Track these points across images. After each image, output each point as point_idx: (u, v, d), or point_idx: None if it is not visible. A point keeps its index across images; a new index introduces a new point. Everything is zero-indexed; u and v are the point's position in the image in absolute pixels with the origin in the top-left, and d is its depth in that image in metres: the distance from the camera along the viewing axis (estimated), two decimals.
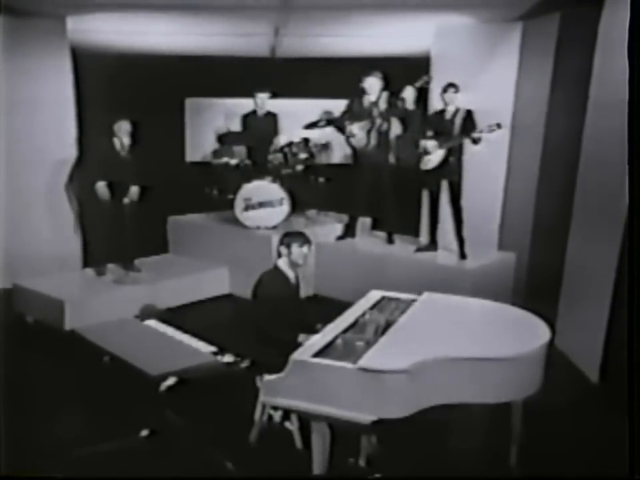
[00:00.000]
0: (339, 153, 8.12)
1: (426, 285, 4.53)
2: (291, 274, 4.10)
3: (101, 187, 6.46)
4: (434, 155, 6.41)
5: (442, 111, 6.57)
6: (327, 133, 7.75)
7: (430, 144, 6.42)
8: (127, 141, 6.61)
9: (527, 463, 3.92)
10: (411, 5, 6.40)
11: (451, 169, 6.46)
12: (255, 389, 3.85)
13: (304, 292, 5.00)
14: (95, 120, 6.85)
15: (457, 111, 6.46)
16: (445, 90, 6.48)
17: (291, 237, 4.11)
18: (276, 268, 4.09)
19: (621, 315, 4.53)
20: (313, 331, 3.91)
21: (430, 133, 6.52)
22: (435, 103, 6.89)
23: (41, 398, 4.77)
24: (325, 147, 7.91)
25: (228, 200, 7.33)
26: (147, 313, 6.35)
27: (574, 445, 4.18)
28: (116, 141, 6.58)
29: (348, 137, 6.96)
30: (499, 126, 6.19)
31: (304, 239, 4.09)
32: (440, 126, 6.51)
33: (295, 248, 4.03)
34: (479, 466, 3.98)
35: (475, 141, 6.29)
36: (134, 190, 6.64)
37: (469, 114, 6.42)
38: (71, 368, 5.29)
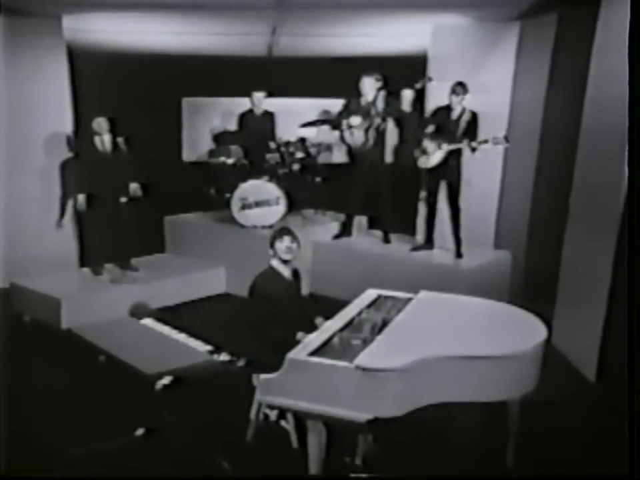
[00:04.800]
0: (337, 153, 8.11)
1: (422, 284, 4.52)
2: (285, 272, 4.08)
3: (80, 198, 6.55)
4: (434, 155, 6.38)
5: (448, 108, 6.45)
6: (324, 132, 7.74)
7: (431, 145, 6.38)
8: (107, 138, 6.59)
9: (523, 462, 3.91)
10: (408, 5, 6.39)
11: (450, 169, 6.44)
12: (251, 387, 3.84)
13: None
14: (91, 119, 6.83)
15: (463, 111, 6.40)
16: (454, 90, 6.35)
17: (273, 235, 4.09)
18: (270, 267, 4.08)
19: (618, 313, 4.55)
20: (313, 326, 3.91)
21: (431, 128, 6.48)
22: (432, 104, 6.87)
23: (36, 397, 4.76)
24: (326, 147, 7.90)
25: (225, 199, 7.32)
26: (139, 311, 6.34)
27: (571, 443, 4.19)
28: (97, 140, 6.58)
29: (343, 136, 6.94)
30: (506, 139, 6.08)
31: (284, 232, 4.07)
32: (445, 123, 6.44)
33: (277, 244, 4.02)
34: (475, 465, 3.97)
35: (474, 149, 6.22)
36: (133, 187, 6.64)
37: (474, 117, 6.36)
38: (67, 367, 5.29)
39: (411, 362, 3.21)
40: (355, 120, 6.78)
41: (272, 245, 4.04)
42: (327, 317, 3.95)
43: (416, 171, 6.60)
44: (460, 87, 6.35)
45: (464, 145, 6.24)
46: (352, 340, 3.59)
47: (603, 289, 4.89)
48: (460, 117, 6.40)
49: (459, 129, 6.38)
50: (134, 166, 6.64)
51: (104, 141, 6.58)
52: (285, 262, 4.06)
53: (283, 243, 4.01)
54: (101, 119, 6.57)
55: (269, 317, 3.85)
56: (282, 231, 4.11)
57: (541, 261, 6.45)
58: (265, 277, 4.03)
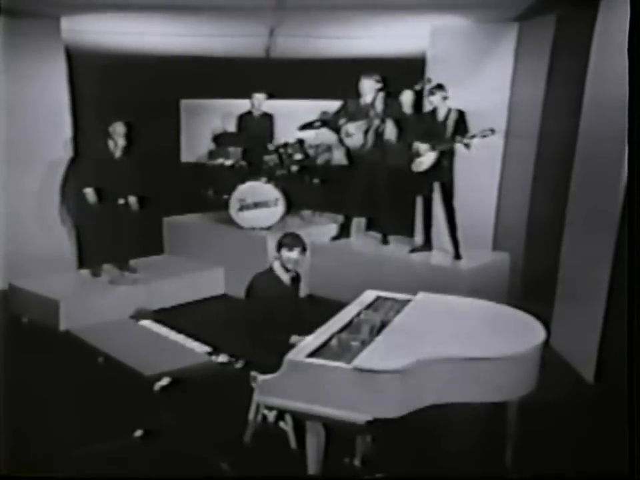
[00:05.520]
0: (337, 154, 8.11)
1: (421, 286, 4.52)
2: (284, 276, 4.07)
3: (89, 192, 6.52)
4: (426, 158, 6.40)
5: (433, 111, 6.50)
6: (323, 134, 7.74)
7: (422, 147, 6.40)
8: (121, 142, 6.61)
9: (522, 463, 3.91)
10: (406, 6, 6.39)
11: (443, 170, 6.46)
12: (250, 389, 3.83)
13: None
14: (90, 121, 6.83)
15: (449, 112, 6.41)
16: (431, 92, 6.41)
17: (284, 239, 4.05)
18: (270, 269, 4.07)
19: (616, 314, 4.55)
20: (309, 330, 3.89)
21: (417, 131, 6.49)
22: (430, 106, 6.87)
23: (35, 398, 4.75)
24: (326, 148, 7.90)
25: (223, 200, 7.32)
26: (142, 315, 6.34)
27: (570, 444, 4.19)
28: (111, 143, 6.59)
29: (341, 138, 6.95)
30: (492, 131, 6.15)
31: (294, 243, 4.01)
32: (432, 127, 6.47)
33: (283, 252, 4.00)
34: (473, 466, 3.97)
35: (467, 145, 6.24)
36: (132, 200, 6.66)
37: (461, 115, 6.37)
38: (66, 368, 5.28)
39: (410, 363, 3.21)
40: (353, 128, 6.79)
41: (278, 250, 4.01)
42: (320, 323, 3.87)
43: (412, 173, 6.60)
44: (436, 88, 6.40)
45: (455, 143, 6.26)
46: (350, 341, 3.59)
47: (601, 290, 4.89)
48: (446, 117, 6.42)
49: (447, 130, 6.39)
50: (132, 169, 6.64)
51: (117, 144, 6.60)
52: (287, 269, 4.05)
53: (292, 253, 3.99)
54: (118, 123, 6.60)
55: (264, 318, 3.85)
56: (294, 239, 4.04)
57: (540, 262, 6.44)
58: (262, 279, 4.02)
